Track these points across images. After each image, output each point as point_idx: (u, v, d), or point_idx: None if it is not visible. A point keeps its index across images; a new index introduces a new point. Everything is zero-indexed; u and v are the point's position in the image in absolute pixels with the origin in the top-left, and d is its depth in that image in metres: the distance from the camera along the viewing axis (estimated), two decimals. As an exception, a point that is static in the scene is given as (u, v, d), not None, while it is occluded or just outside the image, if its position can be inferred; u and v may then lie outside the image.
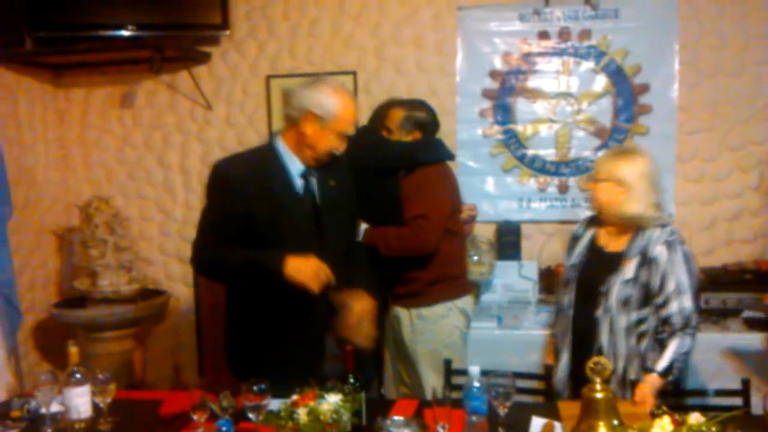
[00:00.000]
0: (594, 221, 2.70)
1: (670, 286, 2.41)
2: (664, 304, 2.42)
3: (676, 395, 2.39)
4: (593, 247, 2.64)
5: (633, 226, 2.52)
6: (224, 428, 2.07)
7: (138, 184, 4.48)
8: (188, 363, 4.42)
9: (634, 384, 2.37)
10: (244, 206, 2.46)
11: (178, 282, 4.45)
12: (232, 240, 2.49)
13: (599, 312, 2.51)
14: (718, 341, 3.25)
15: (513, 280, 3.92)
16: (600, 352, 2.49)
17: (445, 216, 3.15)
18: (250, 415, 2.06)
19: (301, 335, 2.55)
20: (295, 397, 1.90)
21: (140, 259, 4.36)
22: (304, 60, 4.21)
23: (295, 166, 2.54)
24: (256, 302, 2.57)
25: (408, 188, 3.11)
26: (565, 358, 2.64)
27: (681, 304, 2.40)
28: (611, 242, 2.59)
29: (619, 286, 2.48)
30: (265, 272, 2.43)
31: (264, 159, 2.56)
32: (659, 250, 2.45)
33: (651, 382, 2.35)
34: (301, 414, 1.82)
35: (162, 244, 4.48)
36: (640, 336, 2.48)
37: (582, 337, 2.58)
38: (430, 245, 3.09)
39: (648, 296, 2.47)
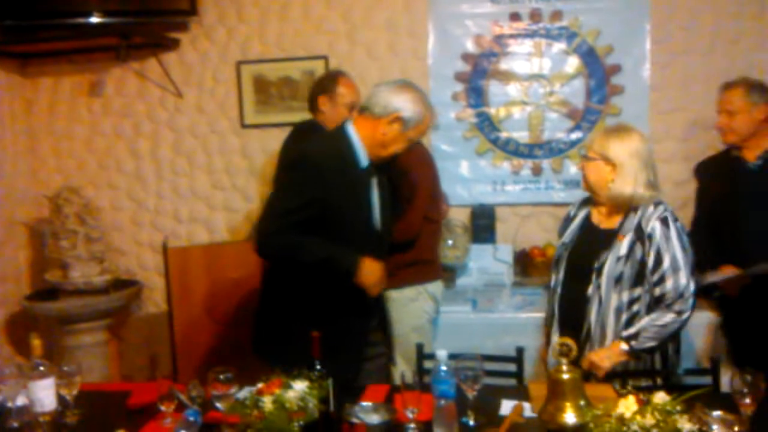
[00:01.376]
0: (588, 201, 2.65)
1: (666, 263, 2.37)
2: (660, 281, 2.38)
3: (646, 374, 2.38)
4: (587, 225, 2.60)
5: (625, 206, 2.48)
6: (192, 418, 2.04)
7: (108, 174, 4.42)
8: (164, 354, 4.38)
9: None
10: (323, 193, 2.43)
11: (151, 271, 4.40)
12: (302, 227, 2.45)
13: (590, 290, 2.46)
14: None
15: (488, 263, 3.91)
16: (588, 332, 2.46)
17: (427, 202, 3.15)
18: (218, 405, 2.04)
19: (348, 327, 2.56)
20: (260, 385, 1.87)
21: (112, 249, 4.31)
22: (274, 45, 4.17)
23: (363, 158, 2.52)
24: (305, 289, 2.56)
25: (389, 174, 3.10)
26: (554, 339, 2.60)
27: (677, 281, 2.36)
28: (605, 220, 2.55)
29: (611, 262, 2.42)
30: (337, 269, 2.47)
31: (341, 147, 2.52)
32: (654, 226, 2.40)
33: (613, 345, 2.35)
34: (266, 402, 1.80)
35: (134, 233, 4.43)
36: (631, 318, 2.42)
37: (570, 317, 2.54)
38: (412, 232, 3.09)
39: (641, 275, 2.41)
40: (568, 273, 2.60)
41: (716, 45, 3.84)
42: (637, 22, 3.88)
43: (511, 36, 3.97)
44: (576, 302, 2.52)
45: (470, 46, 4.01)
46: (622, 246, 2.43)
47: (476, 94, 4.03)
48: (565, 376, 1.83)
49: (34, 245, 4.38)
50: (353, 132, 2.52)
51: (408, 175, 3.04)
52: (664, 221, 2.41)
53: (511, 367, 2.69)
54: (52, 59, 4.33)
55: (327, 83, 3.33)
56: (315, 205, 2.42)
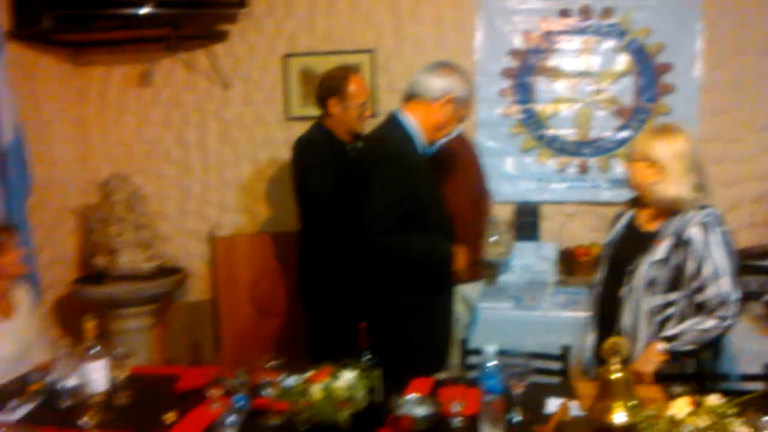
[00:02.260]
0: (636, 201, 2.60)
1: (707, 271, 2.32)
2: (701, 288, 2.33)
3: (697, 379, 2.34)
4: (630, 226, 2.56)
5: (670, 208, 2.42)
6: (240, 403, 2.07)
7: (156, 163, 4.49)
8: (206, 340, 4.44)
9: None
10: (413, 185, 2.50)
11: (195, 259, 4.47)
12: (401, 223, 2.49)
13: (623, 291, 2.44)
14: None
15: (531, 260, 3.89)
16: (619, 334, 2.42)
17: (472, 205, 3.16)
18: (265, 392, 2.07)
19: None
20: (310, 373, 1.89)
21: (158, 236, 4.38)
22: (321, 38, 4.19)
23: (419, 145, 2.58)
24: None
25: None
26: (591, 337, 2.59)
27: (719, 288, 2.30)
28: (648, 222, 2.50)
29: (646, 266, 2.39)
30: (437, 261, 2.59)
31: (407, 137, 2.57)
32: (694, 232, 2.34)
33: (650, 347, 2.33)
34: (315, 390, 1.81)
35: (179, 222, 4.49)
36: (663, 321, 2.39)
37: (607, 316, 2.51)
38: (464, 240, 3.09)
39: (678, 280, 2.37)
40: (609, 273, 2.58)
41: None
42: (689, 20, 3.81)
43: (560, 32, 3.94)
44: (611, 303, 2.51)
45: (518, 43, 3.98)
46: (660, 250, 2.39)
47: (523, 91, 4.00)
48: (615, 376, 1.82)
49: (82, 231, 4.47)
50: (408, 120, 2.54)
51: (447, 183, 3.03)
52: (704, 226, 2.35)
53: (554, 366, 2.68)
54: (103, 49, 4.41)
55: (337, 84, 3.22)
56: (408, 199, 2.48)
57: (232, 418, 2.01)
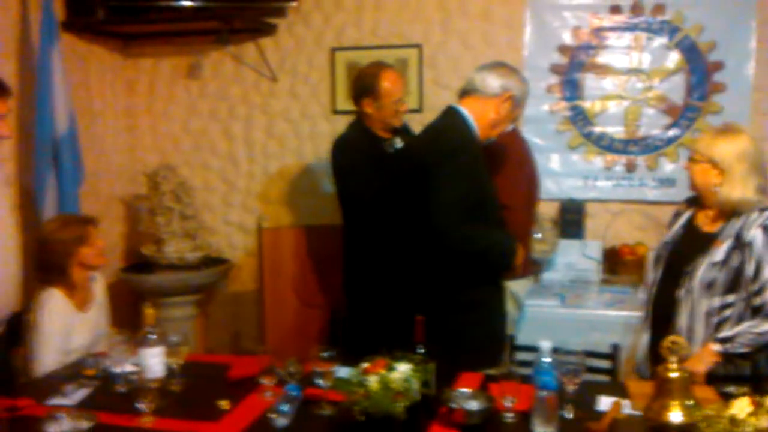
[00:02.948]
0: (695, 201, 2.57)
1: (766, 273, 2.28)
2: (760, 291, 2.30)
3: (752, 381, 2.31)
4: (689, 226, 2.53)
5: (732, 211, 2.39)
6: (293, 392, 2.10)
7: (202, 154, 4.54)
8: (247, 331, 4.49)
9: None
10: (480, 176, 2.57)
11: (240, 251, 4.52)
12: (470, 214, 2.53)
13: (681, 292, 2.41)
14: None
15: (576, 259, 3.86)
16: (676, 335, 2.40)
17: (525, 200, 3.16)
18: (319, 382, 2.09)
19: None
20: (365, 365, 1.91)
21: (204, 227, 4.44)
22: (369, 33, 4.20)
23: (478, 139, 2.62)
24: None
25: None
26: (645, 337, 2.57)
27: None
28: (708, 223, 2.47)
29: (705, 267, 2.36)
30: (502, 254, 2.63)
31: (468, 130, 2.60)
32: (755, 234, 2.31)
33: (705, 348, 2.31)
34: (372, 381, 1.83)
35: (225, 213, 4.55)
36: (720, 323, 2.36)
37: (662, 317, 2.49)
38: (516, 235, 3.08)
39: (736, 282, 2.34)
40: (665, 273, 2.54)
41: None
42: (742, 18, 3.75)
43: (611, 29, 3.90)
44: (668, 303, 2.47)
45: (567, 38, 3.95)
46: (719, 252, 2.36)
47: (571, 87, 3.97)
48: (674, 375, 1.81)
49: (129, 220, 4.55)
50: (470, 119, 2.56)
51: (503, 176, 3.02)
52: (766, 229, 2.32)
53: (603, 364, 2.67)
54: (152, 41, 4.48)
55: (369, 82, 3.17)
56: (476, 191, 2.52)
57: (285, 407, 2.04)
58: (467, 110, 2.56)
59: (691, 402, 1.78)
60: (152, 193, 4.17)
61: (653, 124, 3.90)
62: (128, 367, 2.33)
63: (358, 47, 4.18)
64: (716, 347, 2.29)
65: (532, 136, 3.98)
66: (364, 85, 3.20)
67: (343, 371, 2.10)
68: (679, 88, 3.86)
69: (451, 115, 2.62)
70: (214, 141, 4.51)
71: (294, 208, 4.42)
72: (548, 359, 1.99)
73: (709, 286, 2.36)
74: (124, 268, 4.27)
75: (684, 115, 3.86)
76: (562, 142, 4.02)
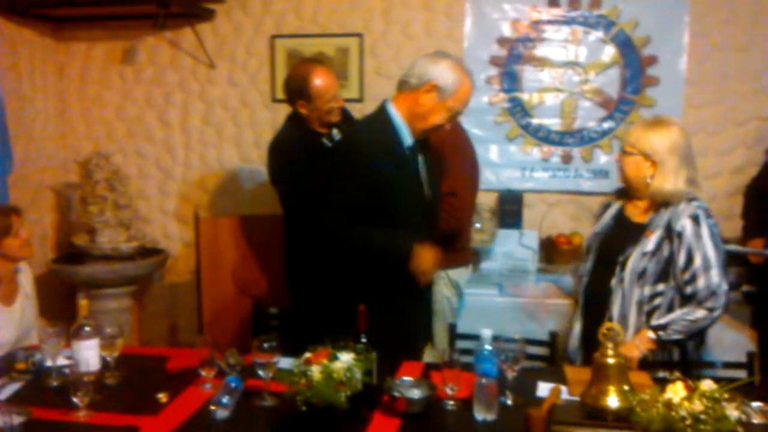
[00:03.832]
0: (624, 192, 2.61)
1: (697, 262, 2.35)
2: (691, 280, 2.36)
3: (683, 366, 2.39)
4: (619, 217, 2.58)
5: (663, 202, 2.44)
6: (234, 384, 2.07)
7: (137, 142, 4.43)
8: (185, 323, 4.42)
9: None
10: (374, 179, 2.45)
11: (176, 241, 4.44)
12: (361, 214, 2.47)
13: (613, 282, 2.46)
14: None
15: (514, 248, 3.93)
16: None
17: (473, 189, 3.16)
18: (260, 372, 2.06)
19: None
20: (308, 355, 1.89)
21: (139, 217, 4.33)
22: (309, 20, 4.16)
23: (405, 138, 2.53)
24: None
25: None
26: (577, 326, 2.62)
27: (709, 280, 2.34)
28: (638, 214, 2.52)
29: (636, 257, 2.42)
30: (394, 256, 2.49)
31: (385, 131, 2.52)
32: (684, 224, 2.37)
33: (639, 335, 2.37)
34: (315, 371, 1.82)
35: (161, 203, 4.45)
36: (652, 311, 2.43)
37: (595, 306, 2.54)
38: (462, 223, 3.09)
39: (667, 271, 2.40)
40: (596, 263, 2.59)
41: (754, 40, 3.82)
42: (675, 13, 3.86)
43: (549, 22, 3.96)
44: (600, 293, 2.52)
45: (507, 31, 4.00)
46: (650, 242, 2.41)
47: (510, 79, 4.02)
48: (610, 361, 1.85)
49: (61, 209, 4.41)
50: (394, 111, 2.52)
51: (448, 164, 3.02)
52: (695, 219, 2.38)
53: (540, 351, 2.71)
54: (86, 24, 4.34)
55: (300, 84, 3.06)
56: (369, 192, 2.44)
57: (225, 399, 2.01)
58: (396, 106, 2.52)
59: (627, 387, 1.83)
60: (85, 182, 4.05)
61: (589, 117, 3.99)
62: (62, 361, 2.26)
63: (298, 35, 4.14)
64: (651, 334, 2.35)
65: (471, 127, 3.98)
66: (295, 87, 3.10)
67: (285, 362, 2.08)
68: (613, 81, 3.95)
69: (376, 112, 2.59)
70: (149, 128, 4.41)
71: (233, 198, 4.36)
72: (489, 347, 2.02)
73: (640, 276, 2.42)
74: (56, 259, 4.14)
75: (618, 108, 3.95)
76: (500, 133, 4.07)
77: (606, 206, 2.69)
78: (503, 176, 4.09)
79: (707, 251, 2.35)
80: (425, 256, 2.49)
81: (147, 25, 4.13)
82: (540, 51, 3.99)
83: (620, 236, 2.52)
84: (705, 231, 2.36)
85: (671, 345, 2.40)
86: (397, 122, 2.51)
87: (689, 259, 2.36)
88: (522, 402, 2.05)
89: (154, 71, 4.35)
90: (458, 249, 3.28)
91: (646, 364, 2.36)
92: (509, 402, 2.07)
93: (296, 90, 3.09)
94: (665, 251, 2.40)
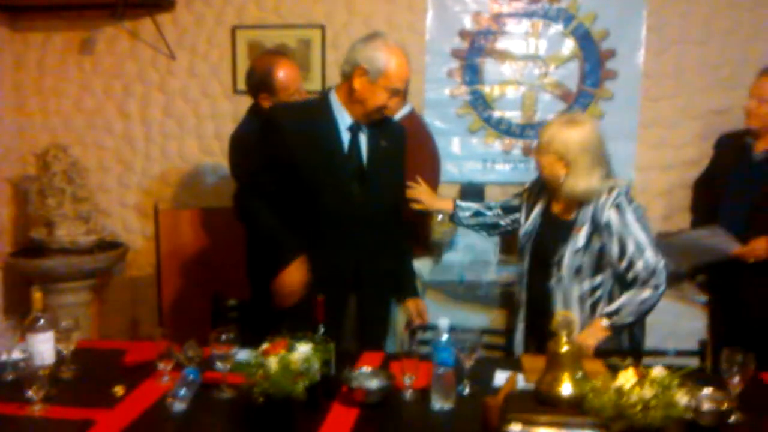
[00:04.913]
0: (550, 189, 2.60)
1: (630, 248, 2.40)
2: (630, 266, 2.41)
3: (634, 354, 2.43)
4: (547, 215, 2.60)
5: (580, 199, 2.47)
6: (191, 376, 2.06)
7: (96, 134, 4.37)
8: (146, 316, 4.38)
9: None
10: (290, 155, 2.47)
11: (137, 234, 4.39)
12: (276, 189, 2.50)
13: (552, 281, 2.50)
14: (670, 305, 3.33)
15: (475, 240, 3.94)
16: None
17: (433, 180, 3.18)
18: (218, 364, 2.06)
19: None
20: (265, 346, 1.89)
21: (98, 210, 4.28)
22: (271, 11, 4.13)
23: (344, 120, 2.52)
24: None
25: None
26: (521, 325, 2.64)
27: (645, 260, 2.39)
28: (564, 211, 2.54)
29: (570, 255, 2.46)
30: (275, 252, 2.54)
31: (316, 110, 2.54)
32: (609, 215, 2.41)
33: (594, 323, 2.41)
34: (272, 362, 1.82)
35: (121, 195, 4.40)
36: (594, 304, 2.48)
37: (537, 306, 2.57)
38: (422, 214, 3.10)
39: (601, 263, 2.45)
40: (532, 263, 2.62)
41: (711, 35, 3.90)
42: (633, 7, 3.92)
43: (509, 15, 3.99)
44: (541, 292, 2.56)
45: (468, 24, 4.02)
46: (580, 238, 2.45)
47: (471, 72, 4.05)
48: (564, 349, 1.88)
49: (18, 202, 4.33)
50: (333, 96, 2.54)
51: (407, 155, 3.03)
52: (618, 208, 2.42)
53: (499, 342, 2.74)
54: (43, 14, 4.26)
55: (263, 77, 3.04)
56: (284, 168, 2.47)
57: (182, 391, 2.00)
58: (337, 93, 2.55)
59: (581, 375, 1.85)
60: (42, 174, 3.98)
61: (549, 109, 4.03)
62: (16, 354, 2.22)
63: (260, 26, 4.12)
64: (605, 322, 2.40)
65: (433, 119, 4.04)
66: (258, 80, 3.07)
67: (243, 354, 2.07)
68: (573, 74, 4.00)
69: (317, 96, 2.64)
70: (108, 120, 4.35)
71: (194, 190, 4.33)
72: (446, 337, 2.04)
73: (577, 272, 2.47)
74: (14, 253, 4.07)
75: (578, 100, 4.00)
76: (462, 126, 4.10)
77: (528, 196, 2.70)
78: (465, 168, 4.12)
79: (637, 235, 2.41)
80: (293, 276, 2.50)
81: (105, 15, 4.09)
82: (501, 44, 4.02)
83: (551, 236, 2.55)
84: (630, 217, 2.42)
85: (625, 329, 2.45)
86: (334, 105, 2.52)
87: (623, 248, 2.41)
88: (479, 391, 2.07)
89: (113, 62, 4.29)
90: (420, 240, 3.31)
91: (600, 352, 2.40)
92: (466, 391, 2.09)
93: (259, 83, 3.07)
94: (596, 245, 2.44)
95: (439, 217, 3.77)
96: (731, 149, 3.13)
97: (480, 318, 3.43)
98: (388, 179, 2.65)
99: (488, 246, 3.94)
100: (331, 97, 2.54)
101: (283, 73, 3.02)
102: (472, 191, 4.03)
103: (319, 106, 2.55)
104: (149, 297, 4.28)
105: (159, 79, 4.28)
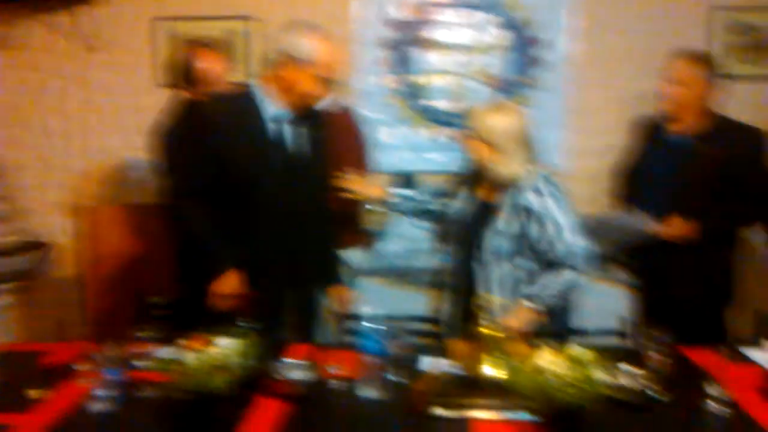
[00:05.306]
0: (475, 173, 2.64)
1: (551, 230, 2.43)
2: (550, 248, 2.44)
3: (557, 335, 2.47)
4: (472, 198, 2.63)
5: (505, 184, 2.50)
6: (112, 376, 2.00)
7: (13, 130, 4.20)
8: (72, 317, 4.24)
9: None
10: (221, 150, 2.43)
11: (59, 234, 4.25)
12: (209, 183, 2.46)
13: (474, 263, 2.53)
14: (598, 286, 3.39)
15: (407, 229, 3.95)
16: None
17: (362, 170, 3.16)
18: (138, 363, 2.01)
19: None
20: (182, 341, 1.85)
21: (18, 209, 4.12)
22: (192, 3, 4.05)
23: (271, 110, 2.49)
24: None
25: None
26: (446, 308, 2.67)
27: (565, 242, 2.43)
28: (487, 194, 2.58)
29: (491, 237, 2.48)
30: (209, 257, 2.53)
31: (243, 102, 2.50)
32: (529, 198, 2.45)
33: (520, 306, 2.43)
34: (190, 358, 1.78)
35: (41, 193, 4.24)
36: (515, 286, 2.49)
37: (461, 288, 2.59)
38: (351, 203, 3.07)
39: (522, 246, 2.48)
40: (458, 246, 2.65)
41: (638, 22, 3.97)
42: (558, -5, 3.97)
43: (436, 4, 4.00)
44: (463, 275, 2.59)
45: (395, 12, 4.01)
46: (501, 220, 2.49)
47: (400, 61, 4.04)
48: (485, 331, 1.90)
49: (-69, 204, 4.15)
50: (260, 87, 2.51)
51: (336, 145, 3.00)
52: (537, 191, 2.46)
53: (428, 328, 2.76)
54: (-49, 6, 4.08)
55: (183, 68, 2.99)
56: (215, 161, 2.44)
57: (102, 392, 1.95)
58: (264, 84, 2.51)
59: (502, 356, 1.88)
60: (-45, 174, 3.82)
61: (477, 98, 4.04)
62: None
63: (181, 17, 4.02)
64: (528, 303, 2.43)
65: (362, 109, 4.01)
66: (178, 71, 3.02)
67: (165, 351, 2.03)
68: (500, 62, 4.03)
69: (240, 89, 2.61)
70: (25, 116, 4.19)
71: (117, 186, 4.21)
72: (370, 325, 2.03)
73: (498, 254, 2.49)
74: (-74, 256, 3.89)
75: (505, 88, 4.04)
76: (391, 115, 4.09)
77: (456, 185, 2.74)
78: (395, 158, 4.12)
79: (556, 217, 2.44)
80: (227, 284, 2.50)
81: (19, 6, 3.92)
82: (428, 33, 4.02)
83: (475, 219, 2.59)
84: (549, 199, 2.45)
85: (549, 310, 2.48)
86: (262, 96, 2.50)
87: (542, 230, 2.45)
88: (405, 377, 2.08)
89: (29, 56, 4.13)
90: (353, 230, 3.29)
91: (525, 334, 2.43)
92: (393, 378, 2.09)
93: (179, 74, 3.01)
94: (517, 227, 2.47)
95: (371, 205, 3.77)
96: (646, 132, 3.21)
97: (414, 305, 3.43)
98: (316, 169, 2.64)
99: (421, 235, 3.95)
100: (256, 88, 2.51)
101: (203, 63, 2.96)
102: (402, 180, 4.03)
103: (246, 97, 2.51)
104: (74, 297, 4.16)
105: (78, 72, 4.14)
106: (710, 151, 2.95)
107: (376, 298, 3.34)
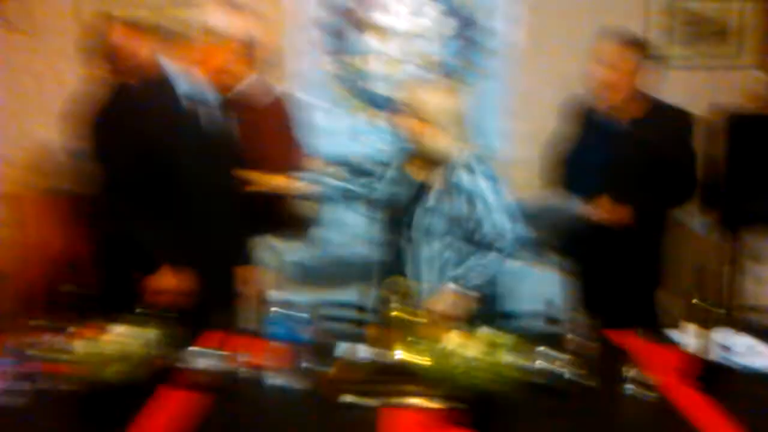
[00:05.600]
0: (407, 151, 2.62)
1: (479, 209, 2.40)
2: (477, 226, 2.41)
3: (485, 319, 2.42)
4: (401, 176, 2.59)
5: (437, 160, 2.48)
6: (5, 367, 1.90)
7: (-68, 116, 4.02)
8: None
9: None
10: (144, 136, 2.35)
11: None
12: (139, 179, 2.37)
13: (402, 242, 2.49)
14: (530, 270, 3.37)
15: (344, 214, 3.89)
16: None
17: (291, 156, 3.10)
18: (31, 353, 1.90)
19: None
20: (71, 329, 1.75)
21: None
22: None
23: (182, 88, 2.39)
24: None
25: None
26: (374, 290, 2.61)
27: (493, 222, 2.39)
28: (417, 172, 2.54)
29: (420, 214, 2.45)
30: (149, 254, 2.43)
31: (159, 83, 2.41)
32: (459, 176, 2.41)
33: (442, 289, 2.39)
34: (79, 347, 1.68)
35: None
36: (443, 266, 2.46)
37: (391, 266, 2.54)
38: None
39: (452, 224, 2.44)
40: (385, 225, 2.62)
41: (579, 7, 3.93)
42: (498, -22, 3.92)
43: (374, -15, 3.93)
44: (392, 254, 2.56)
45: (332, -7, 3.92)
46: (431, 198, 2.46)
47: (336, 43, 3.96)
48: (395, 314, 1.84)
49: None
50: (169, 64, 2.42)
51: (263, 130, 2.91)
52: (469, 168, 2.43)
53: (354, 314, 2.70)
54: None
55: (99, 45, 2.87)
56: (140, 150, 2.36)
57: (-2, 384, 1.84)
58: (172, 59, 2.44)
59: (413, 339, 1.82)
60: None
61: (416, 83, 3.98)
62: None
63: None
64: (452, 286, 2.37)
65: (296, 91, 3.92)
66: (93, 46, 2.90)
67: (56, 341, 1.91)
68: (440, 46, 3.96)
69: (152, 76, 2.49)
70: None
71: (40, 172, 4.04)
72: (280, 310, 1.96)
73: (427, 232, 2.45)
74: None
75: (445, 73, 3.97)
76: (327, 98, 4.00)
77: (384, 164, 2.69)
78: (331, 142, 4.03)
79: (486, 196, 2.41)
80: (165, 278, 2.44)
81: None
82: (366, 14, 3.94)
83: (405, 196, 2.55)
84: (480, 177, 2.42)
85: (473, 292, 2.44)
86: (172, 71, 2.39)
87: (471, 208, 2.41)
88: (319, 363, 2.00)
89: (-57, 37, 3.95)
90: (278, 218, 3.20)
91: (451, 317, 2.38)
92: (305, 365, 2.01)
93: (96, 50, 2.89)
94: (446, 205, 2.43)
95: (290, 193, 3.69)
96: (579, 116, 3.18)
97: (348, 292, 3.37)
98: (225, 149, 2.55)
99: (358, 220, 3.89)
100: (167, 67, 2.40)
101: (118, 38, 2.82)
102: (338, 164, 3.94)
103: (159, 79, 2.41)
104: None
105: (0, 55, 3.96)
106: (642, 135, 2.93)
107: (309, 286, 3.33)
